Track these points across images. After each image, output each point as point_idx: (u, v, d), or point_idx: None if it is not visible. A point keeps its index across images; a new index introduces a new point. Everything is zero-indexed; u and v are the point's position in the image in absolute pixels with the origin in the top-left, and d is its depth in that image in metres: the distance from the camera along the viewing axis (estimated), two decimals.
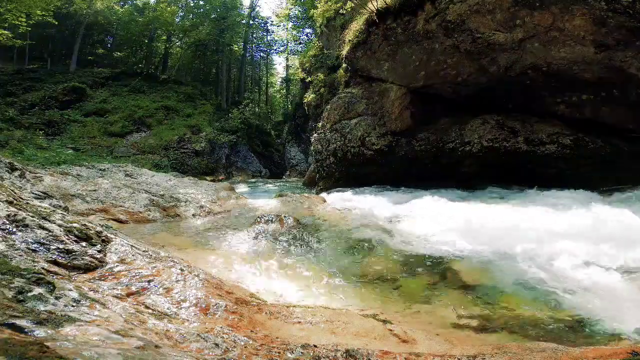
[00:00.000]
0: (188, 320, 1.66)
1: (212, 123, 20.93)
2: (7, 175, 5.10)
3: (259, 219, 4.87)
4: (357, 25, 9.40)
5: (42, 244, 1.76)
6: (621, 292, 2.67)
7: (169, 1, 25.64)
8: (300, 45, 29.83)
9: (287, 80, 33.08)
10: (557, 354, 1.64)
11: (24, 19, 15.40)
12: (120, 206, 5.72)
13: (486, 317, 2.44)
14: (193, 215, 6.10)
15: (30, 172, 6.01)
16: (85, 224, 2.19)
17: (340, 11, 10.15)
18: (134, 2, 29.00)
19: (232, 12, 27.47)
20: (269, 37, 35.84)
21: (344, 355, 1.45)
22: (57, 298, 1.30)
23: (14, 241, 1.65)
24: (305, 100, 17.21)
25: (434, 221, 5.00)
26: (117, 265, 1.96)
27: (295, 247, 4.06)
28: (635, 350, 1.50)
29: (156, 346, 1.15)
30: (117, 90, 21.41)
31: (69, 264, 1.76)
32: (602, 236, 3.63)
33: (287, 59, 33.45)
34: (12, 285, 1.23)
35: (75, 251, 1.86)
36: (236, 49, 29.85)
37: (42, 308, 1.18)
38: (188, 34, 25.36)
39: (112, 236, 2.26)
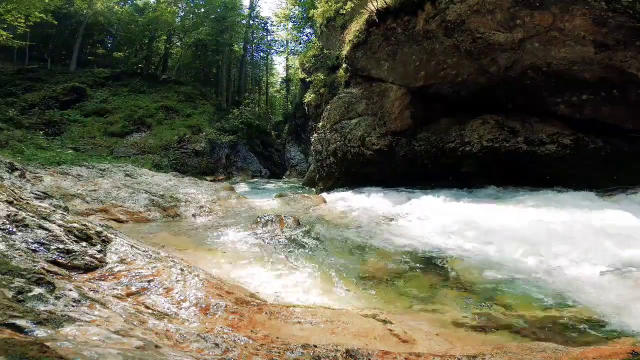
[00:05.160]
0: (188, 320, 1.66)
1: (212, 123, 20.90)
2: (7, 175, 5.10)
3: (259, 219, 4.87)
4: (357, 25, 9.40)
5: (42, 244, 1.76)
6: (621, 292, 2.67)
7: (169, 1, 25.62)
8: (300, 45, 29.82)
9: (287, 80, 33.06)
10: (557, 354, 1.64)
11: (22, 20, 15.38)
12: (120, 206, 5.72)
13: (486, 317, 2.43)
14: (193, 215, 6.09)
15: (30, 172, 6.01)
16: (85, 224, 2.19)
17: (340, 11, 10.13)
18: (134, 2, 28.98)
19: (232, 12, 27.41)
20: (269, 37, 35.86)
21: (344, 355, 1.45)
22: (57, 298, 1.30)
23: (14, 241, 1.65)
24: (305, 100, 17.20)
25: (434, 221, 5.00)
26: (117, 265, 1.96)
27: (295, 246, 4.06)
28: (635, 350, 1.50)
29: (156, 346, 1.15)
30: (117, 90, 21.39)
31: (69, 264, 1.76)
32: (603, 236, 3.63)
33: (287, 59, 33.46)
34: (12, 285, 1.23)
35: (75, 251, 1.86)
36: (236, 49, 29.82)
37: (42, 308, 1.18)
38: (188, 34, 25.32)
39: (112, 236, 2.26)
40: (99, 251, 2.01)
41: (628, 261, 3.11)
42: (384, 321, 2.12)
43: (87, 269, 1.82)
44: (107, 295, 1.60)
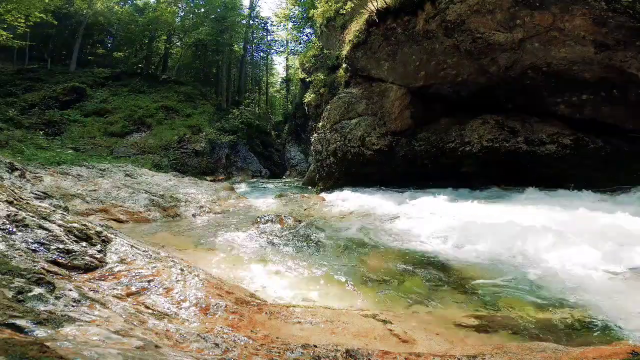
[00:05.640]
0: (188, 320, 1.66)
1: (212, 123, 20.91)
2: (7, 175, 5.10)
3: (259, 219, 4.87)
4: (357, 25, 9.41)
5: (42, 244, 1.76)
6: (621, 292, 2.67)
7: (169, 1, 25.62)
8: (301, 45, 29.82)
9: (287, 80, 33.08)
10: (557, 354, 1.64)
11: (22, 20, 15.38)
12: (120, 206, 5.72)
13: (486, 317, 2.43)
14: (193, 215, 6.09)
15: (30, 172, 6.01)
16: (85, 224, 2.19)
17: (340, 11, 10.14)
18: (134, 2, 28.99)
19: (232, 12, 27.43)
20: (269, 37, 35.89)
21: (344, 355, 1.45)
22: (57, 298, 1.30)
23: (14, 241, 1.65)
24: (305, 100, 17.21)
25: (434, 221, 5.00)
26: (117, 265, 1.96)
27: (295, 246, 4.06)
28: (635, 350, 1.50)
29: (156, 346, 1.15)
30: (117, 90, 21.39)
31: (69, 264, 1.76)
32: (602, 236, 3.63)
33: (287, 59, 33.47)
34: (12, 285, 1.23)
35: (75, 251, 1.86)
36: (236, 49, 29.83)
37: (42, 308, 1.18)
38: (188, 34, 25.34)
39: (112, 236, 2.26)
40: (99, 251, 2.01)
41: (629, 261, 3.11)
42: (384, 321, 2.12)
43: (87, 269, 1.82)
44: (107, 295, 1.60)
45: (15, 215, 1.83)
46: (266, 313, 1.96)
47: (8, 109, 16.16)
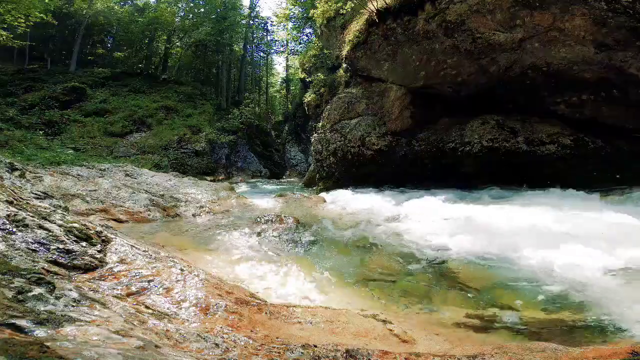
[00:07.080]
0: (188, 320, 1.66)
1: (212, 123, 20.91)
2: (7, 175, 5.10)
3: (259, 219, 4.86)
4: (357, 25, 9.40)
5: (42, 244, 1.76)
6: (621, 292, 2.67)
7: (169, 1, 25.63)
8: (301, 45, 29.79)
9: (287, 80, 33.09)
10: (557, 354, 1.64)
11: (22, 20, 15.35)
12: (120, 206, 5.72)
13: (486, 317, 2.43)
14: (193, 215, 6.09)
15: (30, 172, 6.01)
16: (85, 224, 2.19)
17: (340, 11, 10.13)
18: (134, 2, 28.98)
19: (232, 12, 27.47)
20: (269, 37, 35.88)
21: (344, 355, 1.45)
22: (57, 298, 1.30)
23: (14, 241, 1.65)
24: (305, 100, 17.22)
25: (434, 221, 5.00)
26: (117, 265, 1.96)
27: (295, 246, 4.06)
28: (635, 350, 1.50)
29: (156, 346, 1.15)
30: (117, 90, 21.38)
31: (69, 264, 1.76)
32: (602, 236, 3.63)
33: (287, 59, 33.46)
34: (12, 285, 1.23)
35: (75, 251, 1.86)
36: (236, 49, 29.84)
37: (42, 308, 1.18)
38: (188, 34, 25.34)
39: (112, 236, 2.26)
40: (99, 251, 2.01)
41: (628, 261, 3.11)
42: (384, 321, 2.12)
43: (87, 269, 1.82)
44: (107, 295, 1.60)
45: (15, 215, 1.83)
46: (266, 313, 1.96)
47: (8, 109, 16.15)
